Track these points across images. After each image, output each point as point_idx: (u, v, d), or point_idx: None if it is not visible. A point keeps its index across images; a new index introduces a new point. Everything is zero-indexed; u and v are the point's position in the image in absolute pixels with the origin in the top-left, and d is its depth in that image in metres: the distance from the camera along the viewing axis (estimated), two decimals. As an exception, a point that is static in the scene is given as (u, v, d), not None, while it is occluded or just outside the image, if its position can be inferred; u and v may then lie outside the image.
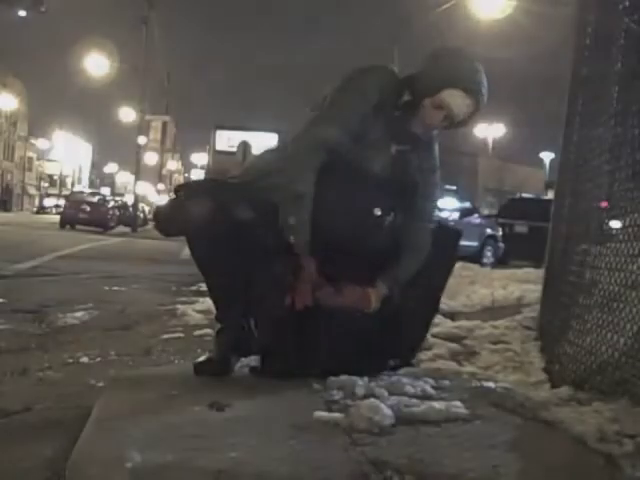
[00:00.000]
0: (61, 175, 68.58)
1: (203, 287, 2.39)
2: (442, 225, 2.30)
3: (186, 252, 2.18)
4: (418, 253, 2.18)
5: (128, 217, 26.90)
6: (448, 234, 2.33)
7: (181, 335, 3.37)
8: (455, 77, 2.03)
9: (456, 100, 2.03)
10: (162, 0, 28.09)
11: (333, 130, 2.06)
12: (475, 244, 13.42)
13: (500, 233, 14.19)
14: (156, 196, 51.72)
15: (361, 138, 2.08)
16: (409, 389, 1.92)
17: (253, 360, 2.20)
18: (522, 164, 48.88)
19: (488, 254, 13.75)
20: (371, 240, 2.12)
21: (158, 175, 48.01)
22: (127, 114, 34.69)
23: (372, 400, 1.75)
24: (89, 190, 42.78)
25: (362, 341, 2.12)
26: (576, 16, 3.11)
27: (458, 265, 6.23)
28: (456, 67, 2.06)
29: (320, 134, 2.07)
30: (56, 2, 23.81)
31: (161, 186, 58.91)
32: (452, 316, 3.80)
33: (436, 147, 2.25)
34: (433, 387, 1.99)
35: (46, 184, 66.86)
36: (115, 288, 5.44)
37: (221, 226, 2.00)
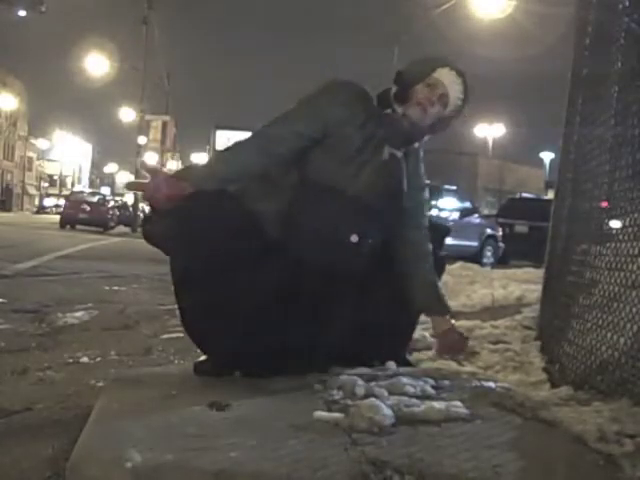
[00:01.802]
0: (61, 175, 68.62)
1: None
2: (430, 222, 2.33)
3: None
4: (430, 261, 2.26)
5: (128, 217, 26.91)
6: (436, 231, 2.37)
7: (181, 335, 3.36)
8: (445, 59, 2.13)
9: (450, 77, 2.10)
10: (162, 0, 28.06)
11: (280, 129, 2.09)
12: (475, 244, 13.43)
13: (500, 233, 14.20)
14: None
15: (343, 150, 2.07)
16: (409, 389, 1.92)
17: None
18: (522, 164, 48.87)
19: (488, 254, 13.75)
20: (351, 269, 2.10)
21: (158, 175, 48.11)
22: (127, 114, 34.65)
23: (372, 400, 1.75)
24: (89, 190, 42.76)
25: (351, 339, 2.14)
26: (576, 16, 3.11)
27: (458, 265, 6.28)
28: (441, 55, 2.19)
29: (266, 131, 2.11)
30: (56, 2, 23.81)
31: (161, 186, 58.66)
32: (452, 316, 3.80)
33: (422, 165, 2.29)
34: (433, 387, 1.99)
35: (46, 184, 66.87)
36: (115, 288, 5.44)
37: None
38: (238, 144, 2.12)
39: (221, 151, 2.18)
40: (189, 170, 2.16)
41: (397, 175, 2.17)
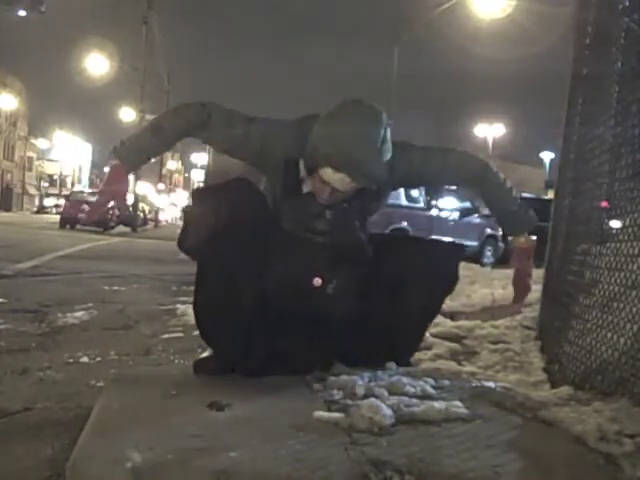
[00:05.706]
0: (61, 175, 68.61)
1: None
2: (442, 241, 2.31)
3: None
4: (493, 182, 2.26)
5: (128, 217, 26.88)
6: (449, 248, 2.37)
7: (181, 335, 3.38)
8: (324, 155, 1.92)
9: (331, 177, 1.95)
10: (162, 0, 28.06)
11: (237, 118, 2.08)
12: (475, 244, 13.43)
13: (500, 233, 14.18)
14: (156, 196, 51.71)
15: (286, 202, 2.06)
16: (409, 389, 1.92)
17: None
18: (522, 164, 48.86)
19: (488, 254, 13.76)
20: (321, 311, 2.05)
21: (158, 175, 48.09)
22: (127, 114, 34.65)
23: (372, 400, 1.75)
24: (89, 190, 42.75)
25: (358, 343, 2.14)
26: (576, 16, 3.11)
27: (458, 265, 6.20)
28: (327, 142, 1.92)
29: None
30: (56, 2, 23.82)
31: (161, 186, 58.89)
32: (452, 316, 3.81)
33: (413, 153, 2.15)
34: (433, 387, 1.99)
35: (46, 184, 66.85)
36: (115, 288, 5.44)
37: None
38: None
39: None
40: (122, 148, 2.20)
41: (343, 222, 2.09)
